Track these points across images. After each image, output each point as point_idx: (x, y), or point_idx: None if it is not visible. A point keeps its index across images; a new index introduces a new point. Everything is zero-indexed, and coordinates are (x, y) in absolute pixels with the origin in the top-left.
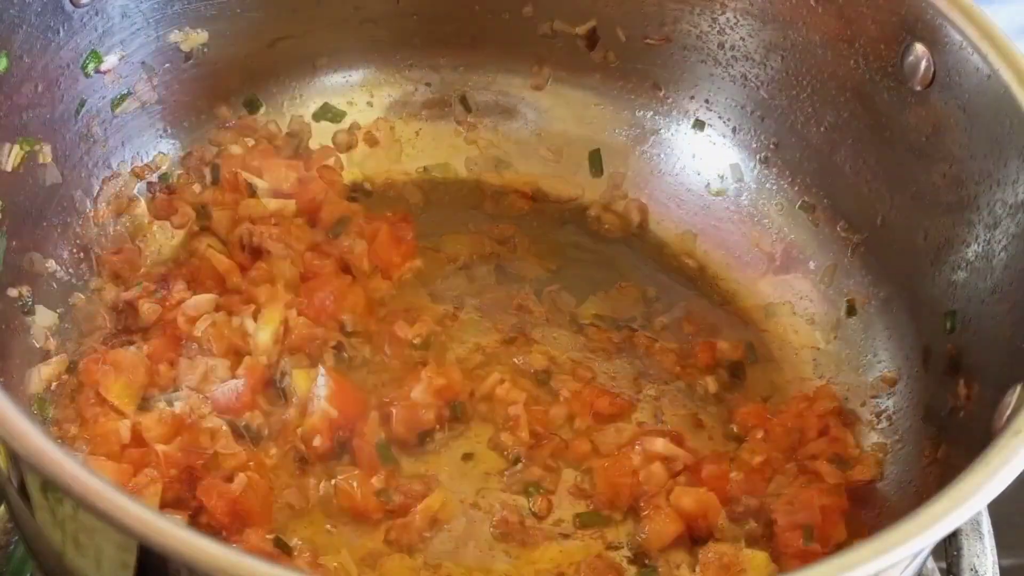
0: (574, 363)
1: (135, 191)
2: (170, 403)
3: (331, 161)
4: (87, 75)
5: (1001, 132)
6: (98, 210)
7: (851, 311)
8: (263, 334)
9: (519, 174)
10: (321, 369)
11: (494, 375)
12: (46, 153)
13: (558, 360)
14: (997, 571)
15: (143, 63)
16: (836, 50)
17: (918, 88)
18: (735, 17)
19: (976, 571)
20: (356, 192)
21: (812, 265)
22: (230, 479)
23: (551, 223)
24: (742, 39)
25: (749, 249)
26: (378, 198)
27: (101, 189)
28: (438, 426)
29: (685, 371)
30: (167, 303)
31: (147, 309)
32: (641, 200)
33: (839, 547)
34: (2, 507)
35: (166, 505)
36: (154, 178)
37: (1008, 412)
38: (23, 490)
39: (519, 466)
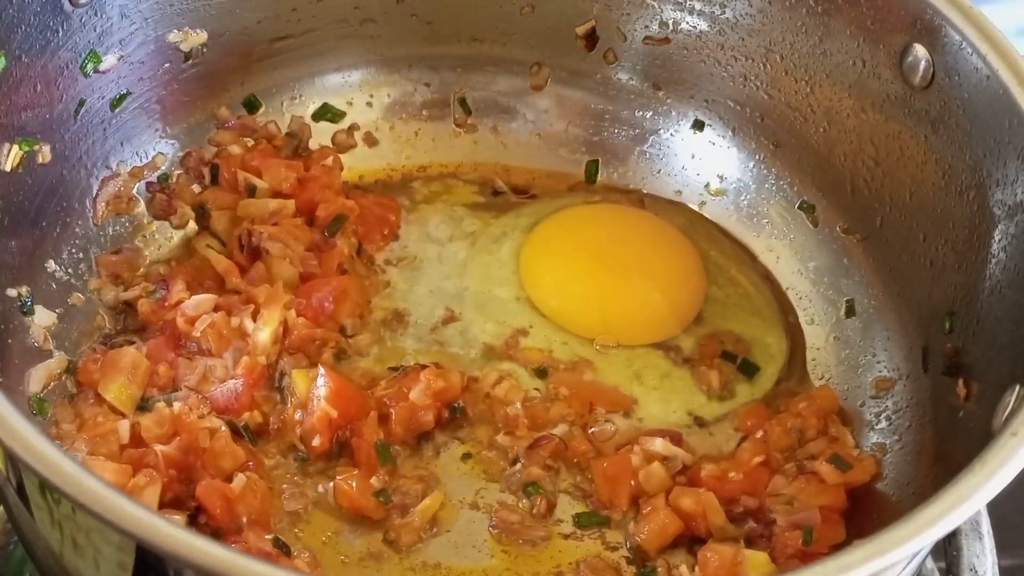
0: (573, 361)
1: (134, 191)
2: (169, 403)
3: (330, 161)
4: (86, 75)
5: (1000, 132)
6: (97, 210)
7: (850, 311)
8: (262, 334)
9: (519, 174)
10: (321, 369)
11: (492, 374)
12: (45, 153)
13: (557, 357)
14: (996, 571)
15: (142, 63)
16: (836, 50)
17: (918, 88)
18: (735, 17)
19: (975, 571)
20: (355, 192)
21: (811, 265)
22: (229, 479)
23: None
24: (742, 39)
25: (749, 249)
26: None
27: (100, 189)
28: (437, 427)
29: (685, 369)
30: (166, 303)
31: (146, 309)
32: (641, 200)
33: (838, 547)
34: (1, 508)
35: (165, 505)
36: (153, 178)
37: (1007, 412)
38: (21, 491)
39: (518, 466)
